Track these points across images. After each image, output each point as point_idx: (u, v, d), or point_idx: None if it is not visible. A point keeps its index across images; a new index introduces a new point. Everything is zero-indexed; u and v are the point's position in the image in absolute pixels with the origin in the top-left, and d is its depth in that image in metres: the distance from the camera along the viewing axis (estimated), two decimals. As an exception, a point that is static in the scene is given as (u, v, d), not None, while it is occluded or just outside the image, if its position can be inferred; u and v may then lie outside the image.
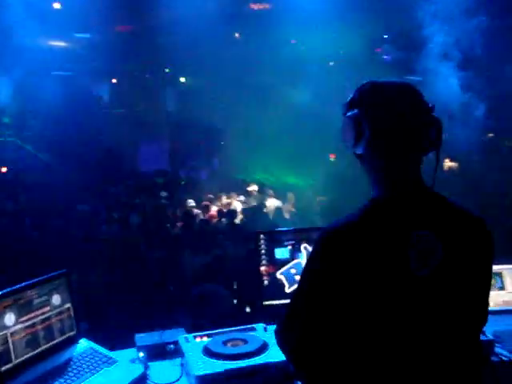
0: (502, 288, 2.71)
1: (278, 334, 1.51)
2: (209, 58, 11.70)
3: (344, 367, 1.43)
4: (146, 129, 13.85)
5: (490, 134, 11.32)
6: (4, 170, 12.48)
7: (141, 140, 14.30)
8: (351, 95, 1.52)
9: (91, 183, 10.19)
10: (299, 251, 2.40)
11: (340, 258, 1.38)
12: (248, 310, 5.20)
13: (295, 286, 2.42)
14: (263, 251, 2.32)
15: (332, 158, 12.13)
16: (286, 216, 8.47)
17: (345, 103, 1.53)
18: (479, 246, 1.49)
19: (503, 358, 2.18)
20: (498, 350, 2.23)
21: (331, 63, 12.44)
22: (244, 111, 11.76)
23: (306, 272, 1.48)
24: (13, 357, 1.92)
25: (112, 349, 2.24)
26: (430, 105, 1.48)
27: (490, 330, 2.23)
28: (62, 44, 12.90)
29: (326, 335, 1.42)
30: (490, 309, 1.59)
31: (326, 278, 1.40)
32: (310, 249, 2.40)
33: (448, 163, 10.69)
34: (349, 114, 1.49)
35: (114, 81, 16.32)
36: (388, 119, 1.43)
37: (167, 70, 15.87)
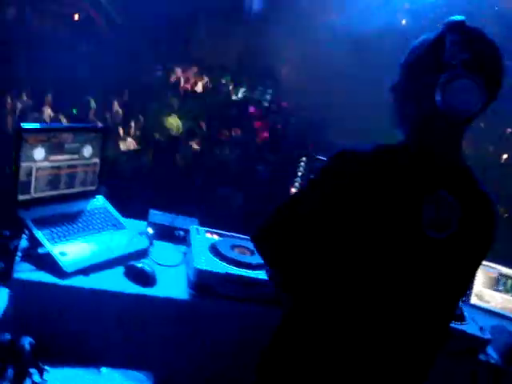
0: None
1: (255, 241, 1.44)
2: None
3: (315, 288, 1.38)
4: None
5: None
6: None
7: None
8: None
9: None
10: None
11: (353, 178, 1.28)
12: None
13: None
14: (299, 174, 2.26)
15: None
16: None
17: None
18: (486, 224, 1.39)
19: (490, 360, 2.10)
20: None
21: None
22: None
23: (309, 182, 1.42)
24: (32, 190, 1.94)
25: (124, 216, 2.26)
26: None
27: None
28: None
29: (305, 250, 1.37)
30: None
31: (329, 194, 1.30)
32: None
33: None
34: None
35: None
36: None
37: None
